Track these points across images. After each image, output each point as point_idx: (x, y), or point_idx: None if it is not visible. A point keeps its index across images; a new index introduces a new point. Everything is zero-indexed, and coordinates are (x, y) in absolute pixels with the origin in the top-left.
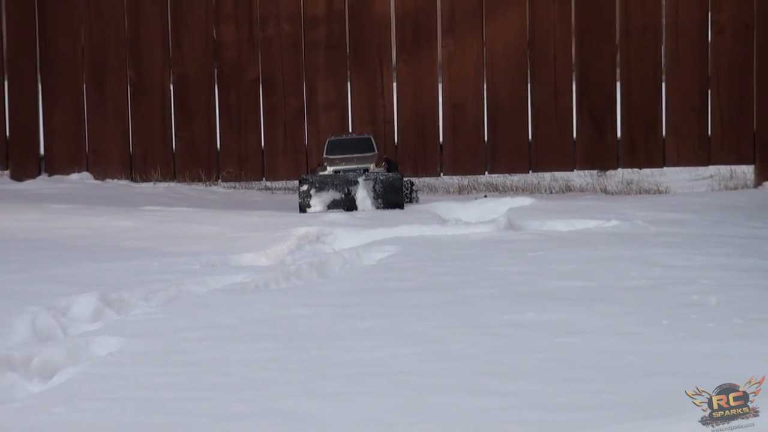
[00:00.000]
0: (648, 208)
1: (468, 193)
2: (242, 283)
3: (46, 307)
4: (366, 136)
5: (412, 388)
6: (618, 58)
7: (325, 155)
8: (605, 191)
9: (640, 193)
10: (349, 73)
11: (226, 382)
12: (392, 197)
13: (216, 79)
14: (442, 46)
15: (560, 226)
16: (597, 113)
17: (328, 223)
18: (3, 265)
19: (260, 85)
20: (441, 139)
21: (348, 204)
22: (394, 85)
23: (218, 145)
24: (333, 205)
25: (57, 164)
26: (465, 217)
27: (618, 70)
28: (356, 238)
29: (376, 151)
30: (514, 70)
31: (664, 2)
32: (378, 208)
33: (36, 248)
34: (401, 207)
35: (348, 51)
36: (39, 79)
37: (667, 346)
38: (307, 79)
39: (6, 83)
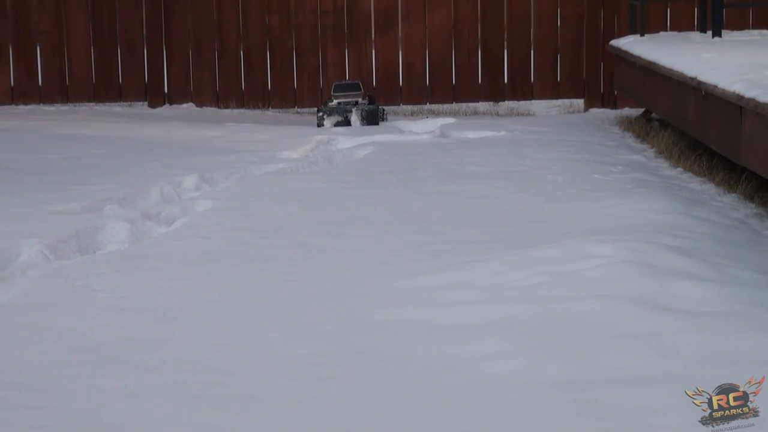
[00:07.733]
0: (523, 124)
1: (416, 116)
2: (283, 168)
3: (169, 182)
4: (356, 81)
5: (382, 230)
6: (505, 35)
7: (332, 93)
8: (498, 114)
9: (519, 115)
10: (346, 44)
11: (273, 226)
12: (372, 119)
13: (267, 47)
14: (401, 28)
15: (471, 135)
16: (493, 68)
17: (334, 133)
18: (143, 157)
19: (294, 51)
20: (400, 83)
21: (346, 123)
22: (373, 51)
23: (269, 87)
24: (337, 124)
25: (174, 98)
26: (414, 129)
27: (505, 43)
28: (350, 142)
29: (363, 90)
30: (444, 42)
31: (532, 2)
32: (363, 125)
33: (163, 147)
34: (377, 124)
35: (346, 31)
36: (164, 48)
37: (533, 206)
38: (321, 48)
39: (146, 50)
